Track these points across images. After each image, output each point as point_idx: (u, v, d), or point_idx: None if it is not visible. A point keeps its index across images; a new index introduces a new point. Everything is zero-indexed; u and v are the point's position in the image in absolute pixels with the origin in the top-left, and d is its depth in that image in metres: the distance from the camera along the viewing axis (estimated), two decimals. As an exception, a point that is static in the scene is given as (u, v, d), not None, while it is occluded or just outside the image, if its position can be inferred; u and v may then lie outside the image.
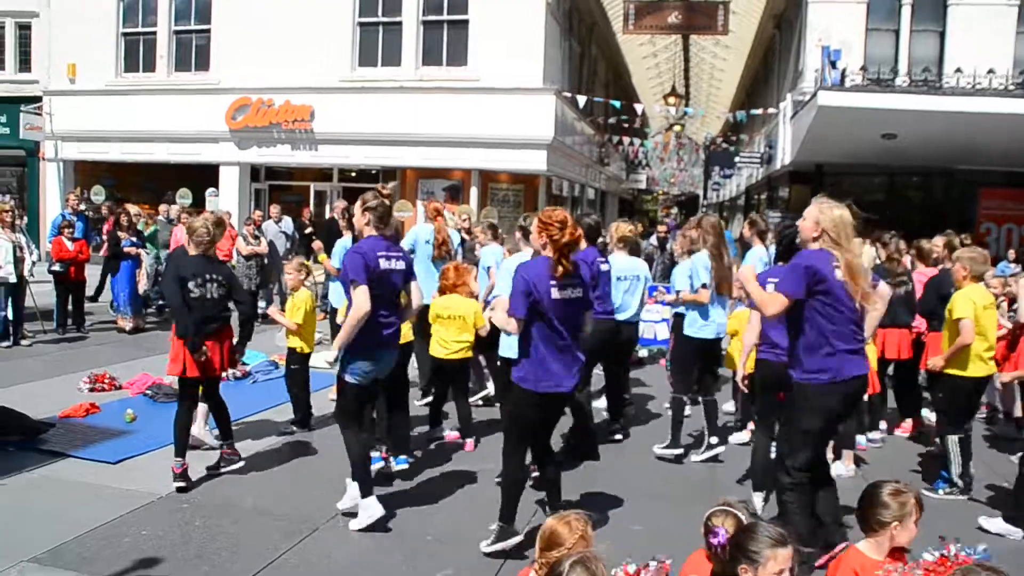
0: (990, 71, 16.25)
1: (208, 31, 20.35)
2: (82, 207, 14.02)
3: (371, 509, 5.26)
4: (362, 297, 5.14)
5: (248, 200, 20.40)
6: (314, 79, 18.89)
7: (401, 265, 5.43)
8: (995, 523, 5.64)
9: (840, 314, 4.63)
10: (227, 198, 20.01)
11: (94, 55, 20.86)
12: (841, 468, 6.60)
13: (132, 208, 13.02)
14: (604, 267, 6.90)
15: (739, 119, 25.23)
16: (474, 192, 19.27)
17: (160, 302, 13.56)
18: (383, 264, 5.30)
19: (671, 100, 30.42)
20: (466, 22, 18.81)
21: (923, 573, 3.26)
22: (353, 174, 20.78)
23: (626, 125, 25.49)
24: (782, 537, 3.00)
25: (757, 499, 5.94)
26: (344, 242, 8.23)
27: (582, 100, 20.36)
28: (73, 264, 11.82)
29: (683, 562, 3.54)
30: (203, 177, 20.26)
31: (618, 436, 7.73)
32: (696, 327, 7.00)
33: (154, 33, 20.76)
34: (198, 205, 19.19)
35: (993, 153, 17.51)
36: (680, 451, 7.07)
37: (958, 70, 16.54)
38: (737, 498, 3.57)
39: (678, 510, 5.69)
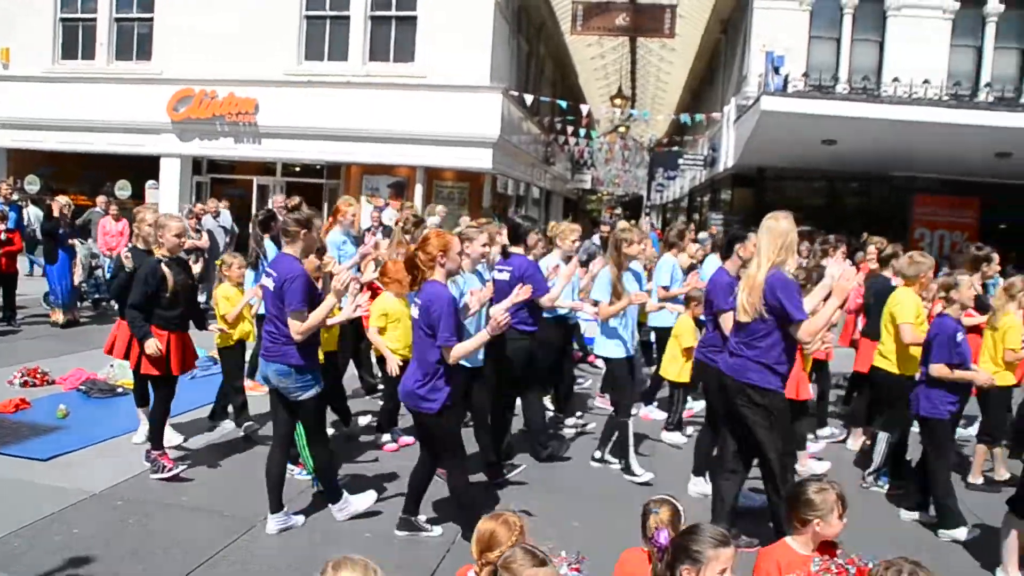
0: (925, 81, 16.73)
1: (151, 20, 19.94)
2: (15, 197, 13.63)
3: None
4: None
5: (189, 193, 20.04)
6: (259, 72, 18.65)
7: (271, 284, 5.23)
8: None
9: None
10: (168, 191, 19.65)
11: (30, 40, 20.28)
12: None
13: (62, 199, 12.64)
14: (499, 275, 6.58)
15: (683, 122, 25.55)
16: (419, 189, 19.19)
17: (96, 295, 13.26)
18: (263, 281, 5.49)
19: (617, 101, 30.67)
20: (414, 18, 18.75)
21: (856, 572, 3.34)
22: (297, 169, 20.58)
23: (572, 127, 25.64)
24: (724, 537, 3.05)
25: (699, 483, 6.30)
26: None
27: (529, 99, 20.43)
28: (4, 256, 11.50)
29: (616, 557, 3.59)
30: (143, 169, 19.84)
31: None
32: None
33: (94, 20, 20.25)
34: (138, 197, 18.86)
35: (928, 160, 18.04)
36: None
37: (895, 79, 16.99)
38: (674, 494, 3.62)
39: (615, 506, 5.75)
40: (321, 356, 5.84)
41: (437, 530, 5.29)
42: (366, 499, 5.51)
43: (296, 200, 5.44)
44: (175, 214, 6.97)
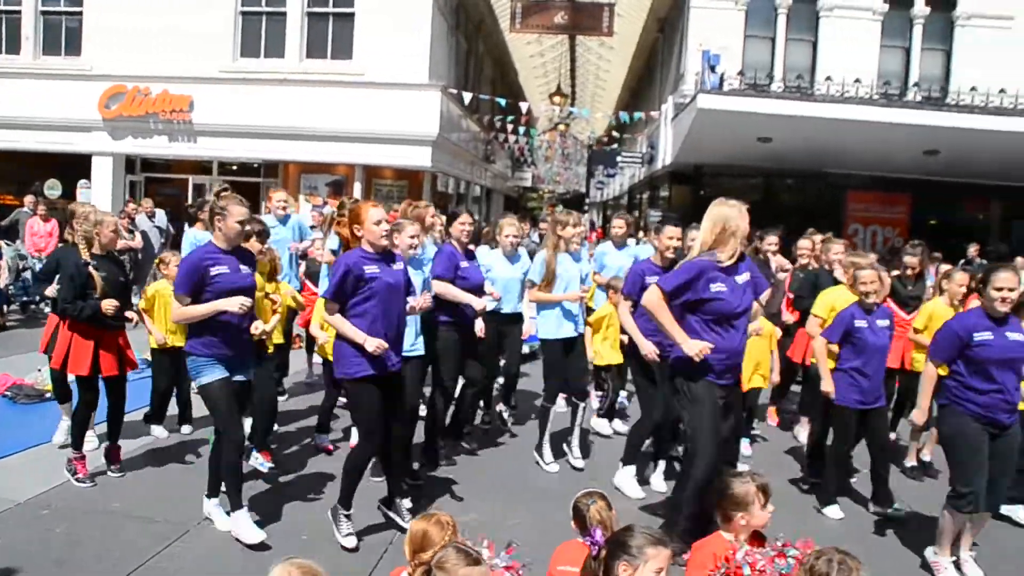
0: (857, 80, 17.09)
1: (80, 13, 19.40)
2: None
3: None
4: None
5: (123, 192, 19.58)
6: (194, 69, 18.28)
7: None
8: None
9: None
10: (100, 190, 19.16)
11: (-50, 34, 19.62)
12: None
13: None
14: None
15: (622, 120, 25.73)
16: (358, 187, 19.03)
17: (24, 298, 12.89)
18: None
19: (557, 99, 30.78)
20: (352, 15, 18.58)
21: (772, 552, 3.42)
22: (234, 167, 20.22)
23: (511, 124, 25.66)
24: (662, 537, 3.10)
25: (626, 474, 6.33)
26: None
27: (468, 97, 20.39)
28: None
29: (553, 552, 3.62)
30: (74, 167, 19.32)
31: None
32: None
33: (18, 12, 19.61)
34: (68, 196, 18.35)
35: (860, 158, 18.44)
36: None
37: (828, 78, 17.33)
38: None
39: (557, 502, 5.74)
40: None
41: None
42: (253, 533, 5.08)
43: (219, 187, 5.31)
44: (108, 211, 6.83)
